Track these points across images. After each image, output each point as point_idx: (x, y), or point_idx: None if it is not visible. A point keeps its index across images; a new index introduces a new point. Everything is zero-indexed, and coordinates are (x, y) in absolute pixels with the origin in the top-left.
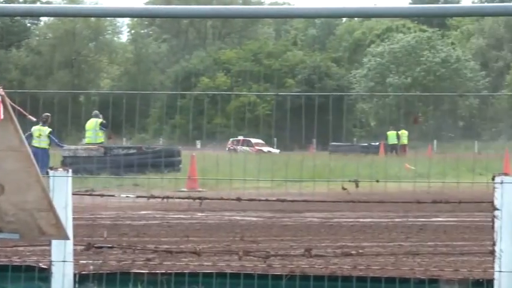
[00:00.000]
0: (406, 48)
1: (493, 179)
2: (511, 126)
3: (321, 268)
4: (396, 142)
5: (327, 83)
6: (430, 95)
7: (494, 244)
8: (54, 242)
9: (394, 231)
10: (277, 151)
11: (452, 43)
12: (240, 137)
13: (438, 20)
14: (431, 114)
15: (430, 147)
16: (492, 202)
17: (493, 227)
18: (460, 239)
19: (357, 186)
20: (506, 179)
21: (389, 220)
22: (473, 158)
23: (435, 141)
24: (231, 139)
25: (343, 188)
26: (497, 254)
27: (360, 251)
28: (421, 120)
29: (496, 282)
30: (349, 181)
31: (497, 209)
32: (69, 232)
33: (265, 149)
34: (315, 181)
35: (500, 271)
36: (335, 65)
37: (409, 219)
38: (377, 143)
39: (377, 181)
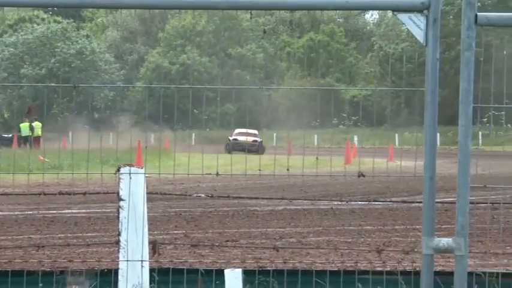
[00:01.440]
0: (41, 39)
1: (118, 170)
2: (144, 118)
3: None
4: (29, 134)
5: None
6: (64, 86)
7: (119, 234)
8: None
9: (24, 224)
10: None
11: (88, 35)
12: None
13: (73, 11)
14: (66, 106)
15: (65, 139)
16: (118, 193)
17: (118, 218)
18: (91, 230)
19: None
20: (127, 169)
21: (19, 213)
22: (108, 149)
23: (70, 133)
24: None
25: None
26: (122, 244)
27: None
28: (34, 111)
29: (120, 271)
30: None
31: (122, 200)
32: None
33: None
34: None
35: (124, 260)
36: None
37: (40, 212)
38: (10, 135)
39: None
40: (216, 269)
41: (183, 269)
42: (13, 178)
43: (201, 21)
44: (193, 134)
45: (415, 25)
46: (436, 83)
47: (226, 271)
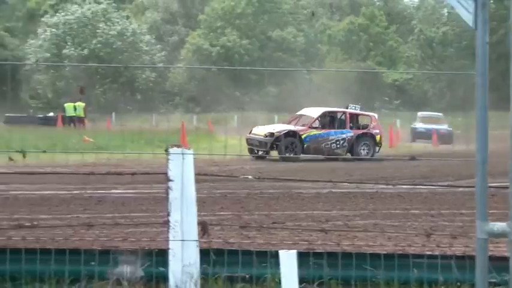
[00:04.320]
0: (82, 19)
1: (166, 151)
2: (186, 99)
3: None
4: (74, 114)
5: (1, 53)
6: (108, 67)
7: (168, 214)
8: None
9: (72, 203)
10: None
11: (128, 16)
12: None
13: None
14: (109, 86)
15: (108, 120)
16: (166, 173)
17: (167, 198)
18: (138, 210)
19: (24, 156)
20: (176, 150)
21: (67, 192)
22: (152, 131)
23: (114, 114)
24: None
25: (10, 159)
26: (171, 224)
27: (35, 223)
28: (85, 91)
29: (171, 252)
30: (17, 151)
31: (171, 180)
32: None
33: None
34: None
35: (175, 240)
36: (9, 34)
37: (88, 191)
38: (54, 115)
39: (44, 151)
40: (269, 251)
41: (237, 250)
42: (80, 157)
43: (240, 3)
44: (236, 117)
45: (463, 8)
46: (486, 66)
47: (280, 252)
